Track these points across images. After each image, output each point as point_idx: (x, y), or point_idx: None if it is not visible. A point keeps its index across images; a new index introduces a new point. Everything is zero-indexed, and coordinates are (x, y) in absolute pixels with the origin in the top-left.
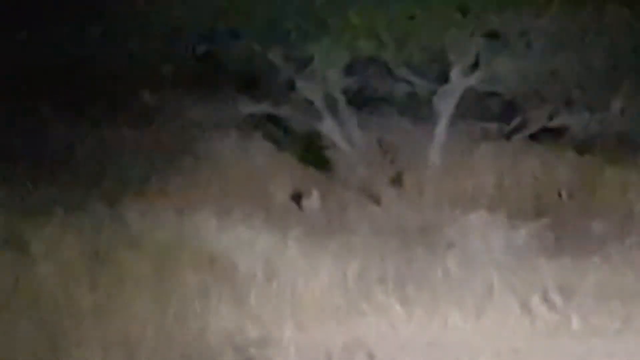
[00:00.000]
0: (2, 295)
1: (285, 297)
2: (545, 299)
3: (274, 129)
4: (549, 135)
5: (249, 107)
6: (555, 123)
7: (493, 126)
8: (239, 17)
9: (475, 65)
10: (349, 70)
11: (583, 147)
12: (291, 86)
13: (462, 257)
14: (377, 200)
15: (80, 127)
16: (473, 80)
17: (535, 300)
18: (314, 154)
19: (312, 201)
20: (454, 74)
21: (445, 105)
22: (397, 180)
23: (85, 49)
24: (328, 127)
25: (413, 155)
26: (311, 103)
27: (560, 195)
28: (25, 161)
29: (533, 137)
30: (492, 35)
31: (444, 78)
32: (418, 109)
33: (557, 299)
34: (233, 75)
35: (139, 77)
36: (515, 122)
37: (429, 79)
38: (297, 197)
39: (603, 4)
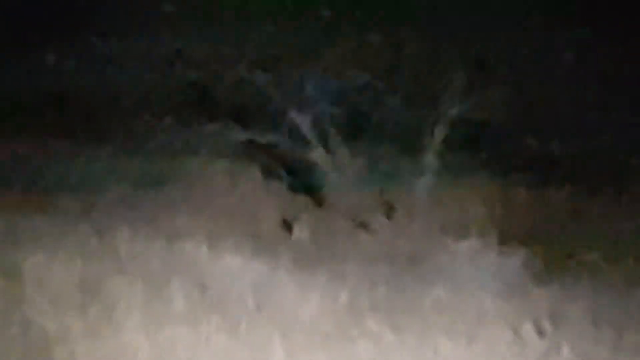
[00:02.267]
0: None
1: (275, 325)
2: (537, 326)
3: (264, 157)
4: (539, 164)
5: (238, 135)
6: (546, 152)
7: (483, 155)
8: (229, 46)
9: (465, 94)
10: (339, 98)
11: (573, 176)
12: (281, 115)
13: (453, 284)
14: (367, 229)
15: (70, 156)
16: (463, 108)
17: (527, 328)
18: (304, 182)
19: (302, 229)
20: (444, 102)
21: (435, 133)
22: (387, 209)
23: (75, 77)
24: (318, 155)
25: (403, 183)
26: (301, 131)
27: (550, 223)
28: (15, 189)
29: (523, 165)
30: (482, 64)
31: (433, 107)
32: (408, 138)
33: (548, 326)
34: (223, 103)
35: (129, 105)
36: (505, 151)
37: (419, 108)
38: (287, 225)
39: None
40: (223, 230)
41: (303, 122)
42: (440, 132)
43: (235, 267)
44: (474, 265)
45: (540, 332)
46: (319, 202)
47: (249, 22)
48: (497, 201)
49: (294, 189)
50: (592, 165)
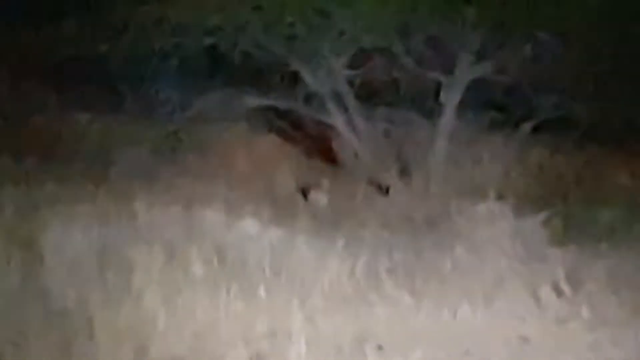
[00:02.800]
0: (10, 293)
1: (294, 289)
2: (555, 288)
3: (281, 122)
4: (556, 124)
5: (255, 101)
6: (562, 112)
7: (499, 116)
8: (244, 11)
9: (481, 56)
10: (354, 62)
11: (590, 135)
12: (297, 79)
13: (471, 247)
14: (384, 192)
15: (86, 121)
16: (479, 70)
17: (545, 290)
18: (320, 146)
19: (320, 194)
20: (460, 64)
21: (451, 95)
22: (404, 172)
23: (91, 43)
24: (334, 119)
25: (420, 146)
26: (317, 96)
27: (567, 184)
28: (32, 156)
29: (540, 126)
30: (497, 25)
31: (449, 69)
32: (424, 100)
33: (566, 288)
34: (239, 68)
35: (145, 72)
36: (522, 111)
37: (435, 70)
38: (304, 191)
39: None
40: (240, 196)
41: (318, 86)
42: (456, 95)
43: (253, 233)
44: (491, 228)
45: (559, 294)
46: (335, 166)
47: None
48: (515, 163)
49: (310, 153)
50: (611, 125)
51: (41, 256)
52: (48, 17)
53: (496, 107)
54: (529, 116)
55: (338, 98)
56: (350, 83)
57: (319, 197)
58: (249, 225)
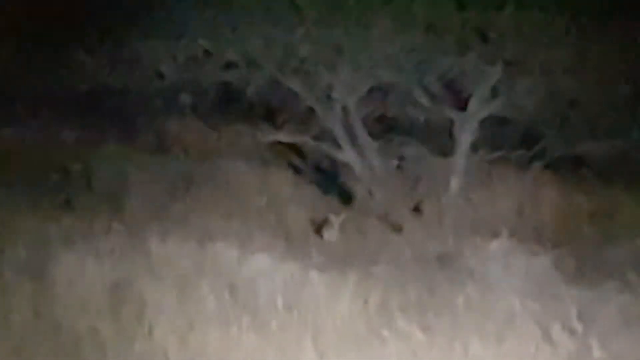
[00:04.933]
0: (23, 326)
1: (307, 325)
2: (567, 327)
3: (294, 157)
4: (569, 162)
5: (269, 136)
6: (575, 150)
7: (513, 154)
8: (258, 46)
9: (494, 93)
10: (368, 98)
11: (603, 175)
12: (311, 114)
13: (483, 284)
14: (397, 229)
15: (101, 155)
16: (492, 108)
17: (556, 328)
18: (334, 182)
19: (333, 230)
20: (473, 101)
21: (465, 132)
22: (417, 209)
23: (108, 76)
24: (348, 155)
25: (433, 183)
26: (331, 131)
27: (580, 223)
28: (44, 191)
29: (553, 164)
30: (511, 62)
31: (463, 106)
32: (437, 137)
33: (578, 326)
34: (253, 104)
35: (161, 105)
36: (535, 149)
37: (449, 107)
38: (317, 227)
39: (623, 32)
40: (253, 231)
41: (333, 122)
42: (469, 132)
43: (265, 268)
44: (504, 266)
45: (571, 333)
46: (349, 202)
47: (278, 22)
48: (528, 201)
49: (324, 189)
50: (623, 164)
51: (53, 289)
52: (63, 47)
53: (509, 144)
54: (542, 154)
55: (351, 134)
56: (364, 119)
57: (332, 233)
58: (262, 260)
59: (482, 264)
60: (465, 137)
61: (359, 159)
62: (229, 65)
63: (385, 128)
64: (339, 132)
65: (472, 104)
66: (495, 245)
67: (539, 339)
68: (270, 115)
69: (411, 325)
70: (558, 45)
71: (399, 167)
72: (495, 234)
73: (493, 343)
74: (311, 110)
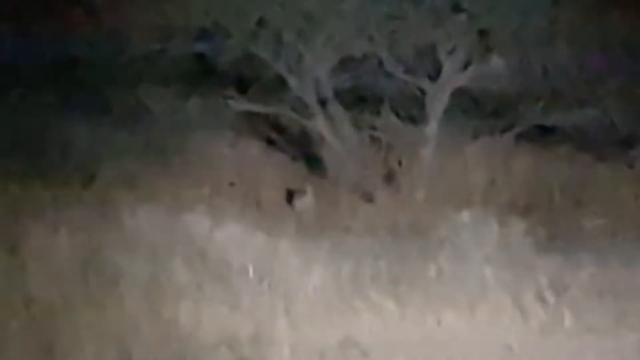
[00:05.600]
0: None
1: (279, 295)
2: (538, 296)
3: (266, 128)
4: (541, 132)
5: (241, 107)
6: (547, 120)
7: (485, 124)
8: (231, 17)
9: (466, 63)
10: (340, 68)
11: (574, 144)
12: (283, 85)
13: (455, 254)
14: (369, 199)
15: (72, 126)
16: (464, 78)
17: (528, 297)
18: (306, 152)
19: (305, 200)
20: (445, 72)
21: (437, 103)
22: (389, 179)
23: (80, 48)
24: (320, 125)
25: (405, 153)
26: (303, 102)
27: (551, 192)
28: (17, 161)
29: (524, 134)
30: (484, 33)
31: (435, 76)
32: (410, 107)
33: (549, 295)
34: (225, 74)
35: (132, 77)
36: (507, 119)
37: (421, 77)
38: (289, 196)
39: (595, 2)
40: (225, 201)
41: (304, 92)
42: (441, 102)
43: (237, 238)
44: (476, 235)
45: (543, 302)
46: (321, 172)
47: None
48: (500, 170)
49: (295, 159)
50: (595, 133)
51: (25, 261)
52: (35, 19)
53: (481, 114)
54: (514, 124)
55: (324, 104)
56: (337, 89)
57: (304, 203)
58: (233, 230)
59: (454, 233)
60: (437, 108)
61: (331, 129)
62: (201, 36)
63: (357, 98)
64: (311, 103)
65: (444, 75)
66: (467, 215)
67: (511, 308)
68: (242, 86)
69: (383, 295)
70: (530, 16)
71: (371, 137)
72: (467, 204)
73: (465, 313)
74: (283, 80)
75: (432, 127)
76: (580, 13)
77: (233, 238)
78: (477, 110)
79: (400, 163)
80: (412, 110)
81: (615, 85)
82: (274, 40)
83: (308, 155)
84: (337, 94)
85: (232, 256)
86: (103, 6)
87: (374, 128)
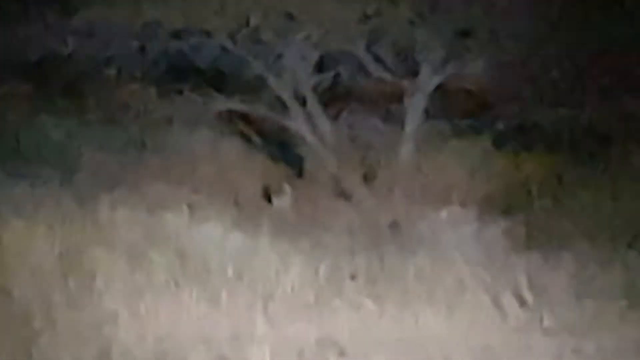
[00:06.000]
0: None
1: (257, 294)
2: (517, 296)
3: (245, 125)
4: (519, 132)
5: (219, 104)
6: (525, 120)
7: (463, 123)
8: (209, 15)
9: (445, 62)
10: (319, 66)
11: (553, 144)
12: (262, 83)
13: (433, 253)
14: (348, 197)
15: (50, 123)
16: (443, 77)
17: (507, 297)
18: (284, 151)
19: (283, 198)
20: (424, 71)
21: (416, 102)
22: (368, 177)
23: (58, 45)
24: (298, 123)
25: (384, 152)
26: (282, 100)
27: (530, 191)
28: None
29: (503, 134)
30: (462, 32)
31: (414, 75)
32: (388, 106)
33: (528, 295)
34: (204, 72)
35: (111, 75)
36: (485, 119)
37: (399, 75)
38: (267, 194)
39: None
40: (204, 200)
41: (283, 91)
42: (420, 101)
43: (215, 236)
44: (454, 234)
45: (521, 302)
46: (299, 171)
47: None
48: (478, 169)
49: (274, 158)
50: (574, 133)
51: (3, 257)
52: (12, 17)
53: (460, 114)
54: (492, 122)
55: (302, 102)
56: (315, 88)
57: (283, 202)
58: (212, 228)
59: (432, 232)
60: (416, 106)
61: (310, 127)
62: (180, 34)
63: (336, 97)
64: (290, 101)
65: (423, 73)
66: (445, 214)
67: (489, 308)
68: (221, 84)
69: (361, 294)
70: (508, 15)
71: (349, 136)
72: (445, 203)
73: (443, 312)
74: (262, 79)
75: (411, 126)
76: (559, 11)
77: (211, 236)
78: (456, 109)
79: (378, 162)
80: (391, 109)
81: (594, 84)
82: (253, 38)
83: (287, 153)
84: (316, 93)
85: (210, 255)
86: (81, 4)
87: (352, 127)
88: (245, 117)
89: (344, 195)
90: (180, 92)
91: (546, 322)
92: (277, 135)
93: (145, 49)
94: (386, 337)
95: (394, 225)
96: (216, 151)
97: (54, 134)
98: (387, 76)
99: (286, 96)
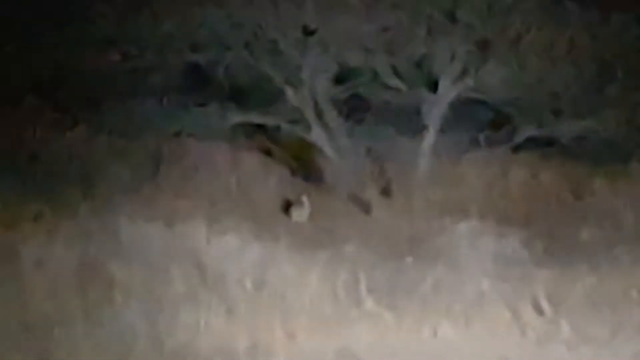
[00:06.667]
0: None
1: (275, 306)
2: (535, 307)
3: (263, 138)
4: (538, 143)
5: (238, 117)
6: (544, 131)
7: (481, 135)
8: (227, 27)
9: (463, 74)
10: (337, 79)
11: (571, 156)
12: (280, 95)
13: (452, 265)
14: (366, 210)
15: (70, 136)
16: (461, 89)
17: (525, 309)
18: (303, 163)
19: (301, 211)
20: (442, 83)
21: (434, 114)
22: (386, 190)
23: (76, 58)
24: (317, 136)
25: (402, 164)
26: (300, 112)
27: (548, 204)
28: (15, 171)
29: (522, 145)
30: (481, 44)
31: (432, 87)
32: (407, 118)
33: (546, 307)
34: (222, 85)
35: (130, 86)
36: (504, 131)
37: (418, 88)
38: (286, 207)
39: (591, 13)
40: (222, 212)
41: (301, 103)
42: (438, 113)
43: (234, 249)
44: (473, 247)
45: (540, 313)
46: (318, 183)
47: (247, 3)
48: (497, 182)
49: (292, 171)
50: (591, 144)
51: (22, 271)
52: (32, 32)
53: (478, 125)
54: (511, 134)
55: (321, 115)
56: (334, 100)
57: (301, 214)
58: (230, 241)
59: (451, 245)
60: (434, 118)
61: (328, 139)
62: (199, 47)
63: (354, 109)
64: (308, 113)
65: (442, 85)
66: (464, 226)
67: (508, 320)
68: (239, 97)
69: (380, 306)
70: (527, 26)
71: (368, 148)
72: (464, 215)
73: (462, 324)
74: (280, 91)
75: (429, 138)
76: (576, 22)
77: (230, 249)
78: (474, 121)
79: (397, 174)
80: (410, 121)
81: (612, 97)
82: (271, 51)
83: (305, 166)
84: (334, 105)
85: (229, 267)
86: (99, 18)
87: (370, 139)
88: (263, 130)
89: (362, 207)
90: (198, 105)
91: (564, 334)
92: (296, 148)
93: (163, 62)
94: (404, 349)
95: (412, 238)
96: (234, 164)
97: (73, 148)
98: (405, 88)
99: (304, 108)
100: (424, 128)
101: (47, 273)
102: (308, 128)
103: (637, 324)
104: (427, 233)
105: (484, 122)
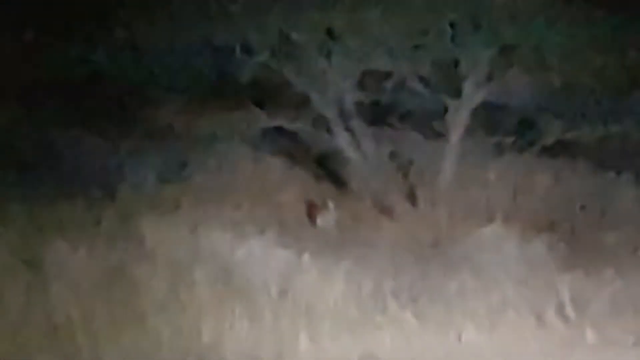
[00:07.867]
0: (16, 314)
1: (300, 311)
2: (560, 312)
3: (288, 143)
4: (563, 148)
5: (262, 122)
6: (569, 136)
7: (506, 140)
8: (251, 31)
9: (488, 79)
10: (362, 84)
11: (596, 160)
12: (304, 100)
13: (476, 270)
14: (390, 214)
15: (93, 142)
16: (486, 93)
17: (550, 313)
18: (327, 168)
19: (327, 216)
20: (467, 87)
21: (458, 118)
22: (410, 194)
23: (101, 63)
24: (341, 141)
25: (426, 169)
26: (325, 117)
27: (573, 208)
28: (37, 177)
29: (546, 150)
30: (505, 48)
31: (457, 92)
32: (431, 123)
33: (571, 311)
34: (247, 90)
35: (155, 91)
36: (529, 135)
37: (442, 92)
38: (311, 212)
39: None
40: (247, 217)
41: (326, 108)
42: (463, 118)
43: (259, 254)
44: (497, 252)
45: (564, 319)
46: (342, 188)
47: (271, 8)
48: (522, 186)
49: (317, 175)
50: (616, 149)
51: (47, 276)
52: (56, 36)
53: (503, 130)
54: (536, 139)
55: (345, 120)
56: (358, 105)
57: (326, 219)
58: (255, 246)
59: (475, 249)
60: (459, 123)
61: (353, 145)
62: (223, 51)
63: (378, 114)
64: (333, 118)
65: (466, 90)
66: (488, 231)
67: (533, 325)
68: (263, 101)
69: (404, 311)
70: (552, 31)
71: (392, 152)
72: (489, 220)
73: (486, 329)
74: (305, 96)
75: (453, 143)
76: (601, 27)
77: (254, 254)
78: (499, 126)
79: (421, 179)
80: (434, 126)
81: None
82: (296, 55)
83: (330, 171)
84: (359, 110)
85: (253, 272)
86: (124, 22)
87: (395, 144)
88: (288, 135)
89: (387, 212)
90: (224, 110)
91: (589, 339)
92: (320, 153)
93: (188, 67)
94: (429, 354)
95: (437, 242)
96: (259, 169)
97: (98, 153)
98: (429, 92)
99: (329, 113)
100: (448, 132)
101: (72, 280)
102: (332, 133)
103: None
104: (452, 237)
105: (508, 127)
